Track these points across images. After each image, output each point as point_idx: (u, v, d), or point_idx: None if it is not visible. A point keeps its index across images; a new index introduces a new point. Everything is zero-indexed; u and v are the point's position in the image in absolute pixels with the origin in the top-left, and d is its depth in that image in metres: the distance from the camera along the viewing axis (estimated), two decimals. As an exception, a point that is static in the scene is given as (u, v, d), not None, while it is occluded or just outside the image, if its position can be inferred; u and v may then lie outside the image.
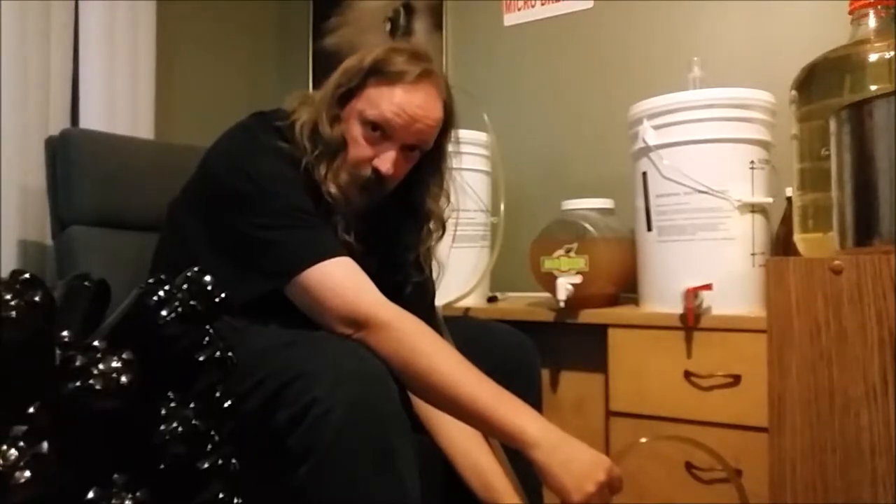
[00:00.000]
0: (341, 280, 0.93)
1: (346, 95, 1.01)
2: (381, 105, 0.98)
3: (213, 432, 0.72)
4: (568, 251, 1.33)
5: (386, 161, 1.00)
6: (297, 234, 0.95)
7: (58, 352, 0.64)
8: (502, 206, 1.59)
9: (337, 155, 1.00)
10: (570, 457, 0.83)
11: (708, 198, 1.23)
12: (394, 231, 1.11)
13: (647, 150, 1.30)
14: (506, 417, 0.85)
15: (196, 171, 1.06)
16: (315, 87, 2.25)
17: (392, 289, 0.97)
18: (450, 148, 1.10)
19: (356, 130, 1.00)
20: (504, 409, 0.86)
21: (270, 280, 0.94)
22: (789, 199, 1.24)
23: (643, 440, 1.21)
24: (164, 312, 0.68)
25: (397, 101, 0.98)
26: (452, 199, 1.17)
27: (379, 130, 0.99)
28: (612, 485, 0.83)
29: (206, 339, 0.74)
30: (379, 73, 0.98)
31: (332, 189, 0.99)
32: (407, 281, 1.09)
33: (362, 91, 1.00)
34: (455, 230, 1.51)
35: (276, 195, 0.96)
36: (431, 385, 0.88)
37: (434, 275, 1.17)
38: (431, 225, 1.13)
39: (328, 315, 0.92)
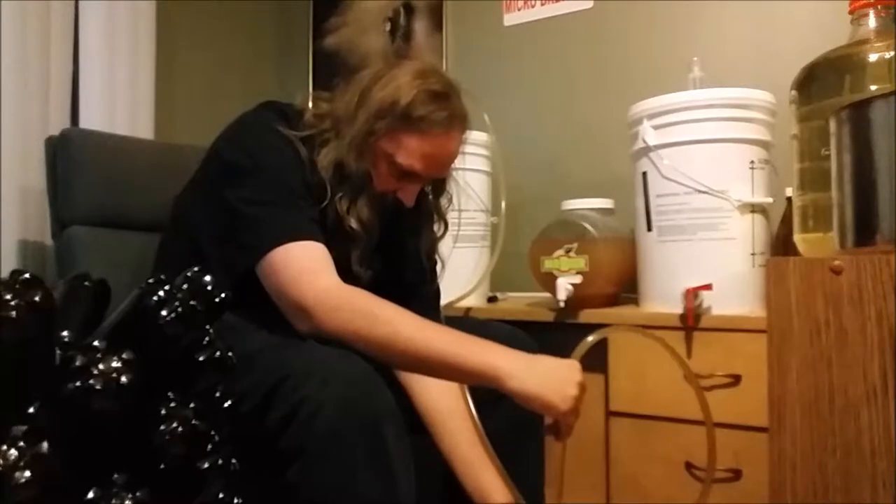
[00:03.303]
0: (300, 262, 0.91)
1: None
2: (412, 156, 0.98)
3: (213, 432, 0.72)
4: (568, 251, 1.33)
5: (410, 196, 1.04)
6: (275, 211, 0.94)
7: (58, 352, 0.64)
8: (503, 207, 1.59)
9: (362, 191, 1.00)
10: (544, 373, 0.86)
11: (708, 198, 1.23)
12: (398, 235, 1.11)
13: (647, 150, 1.29)
14: (475, 360, 0.86)
15: (203, 159, 1.06)
16: (315, 87, 2.25)
17: (397, 292, 0.97)
18: None
19: (383, 168, 1.00)
20: (471, 353, 0.87)
21: (243, 255, 0.94)
22: (789, 199, 1.24)
23: (588, 339, 1.02)
24: (164, 312, 0.68)
25: (429, 153, 0.99)
26: (453, 196, 1.18)
27: (407, 172, 1.00)
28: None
29: (206, 339, 0.74)
30: (408, 119, 0.97)
31: (354, 225, 0.99)
32: (414, 289, 1.09)
33: (391, 133, 0.98)
34: (457, 230, 1.51)
35: (266, 171, 0.96)
36: (398, 352, 0.87)
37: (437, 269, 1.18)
38: (435, 225, 1.15)
39: (283, 303, 0.91)
